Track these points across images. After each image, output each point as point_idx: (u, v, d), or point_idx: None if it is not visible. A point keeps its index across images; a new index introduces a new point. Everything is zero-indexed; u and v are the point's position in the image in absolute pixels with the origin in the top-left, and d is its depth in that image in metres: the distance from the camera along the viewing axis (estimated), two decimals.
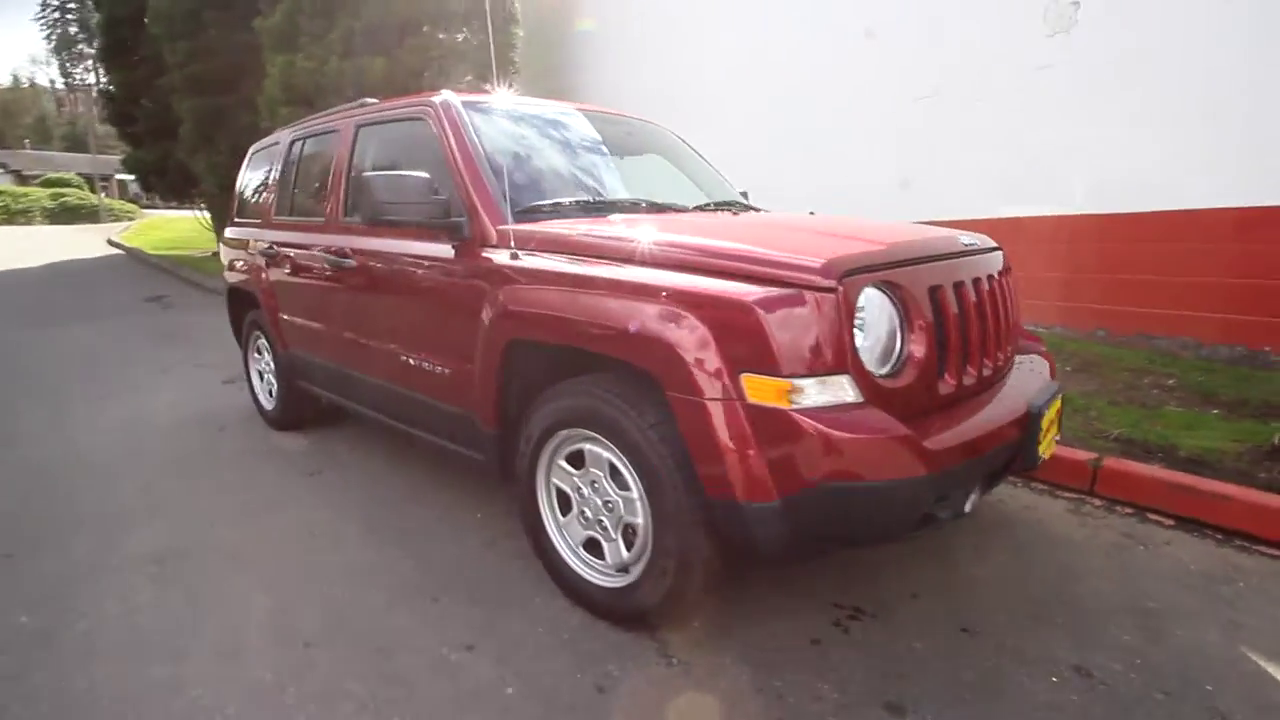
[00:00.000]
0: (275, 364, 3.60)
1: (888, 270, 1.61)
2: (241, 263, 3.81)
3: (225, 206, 13.43)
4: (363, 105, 3.07)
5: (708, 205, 2.65)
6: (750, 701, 1.64)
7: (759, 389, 1.48)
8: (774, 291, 1.49)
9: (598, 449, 1.88)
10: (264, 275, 3.48)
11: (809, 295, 1.48)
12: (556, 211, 2.25)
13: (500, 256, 2.09)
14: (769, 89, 6.80)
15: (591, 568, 1.99)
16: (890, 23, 5.67)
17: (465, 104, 2.49)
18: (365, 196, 2.19)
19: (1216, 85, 4.04)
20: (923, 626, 1.91)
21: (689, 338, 1.55)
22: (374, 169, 2.84)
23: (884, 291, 1.59)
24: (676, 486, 1.67)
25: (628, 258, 1.76)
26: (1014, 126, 4.97)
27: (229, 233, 4.07)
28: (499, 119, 2.51)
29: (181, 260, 12.85)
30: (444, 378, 2.34)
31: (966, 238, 1.96)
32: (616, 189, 2.54)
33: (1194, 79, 4.12)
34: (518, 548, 2.41)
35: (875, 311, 1.58)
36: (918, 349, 1.62)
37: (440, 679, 1.74)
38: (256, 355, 3.94)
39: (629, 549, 1.87)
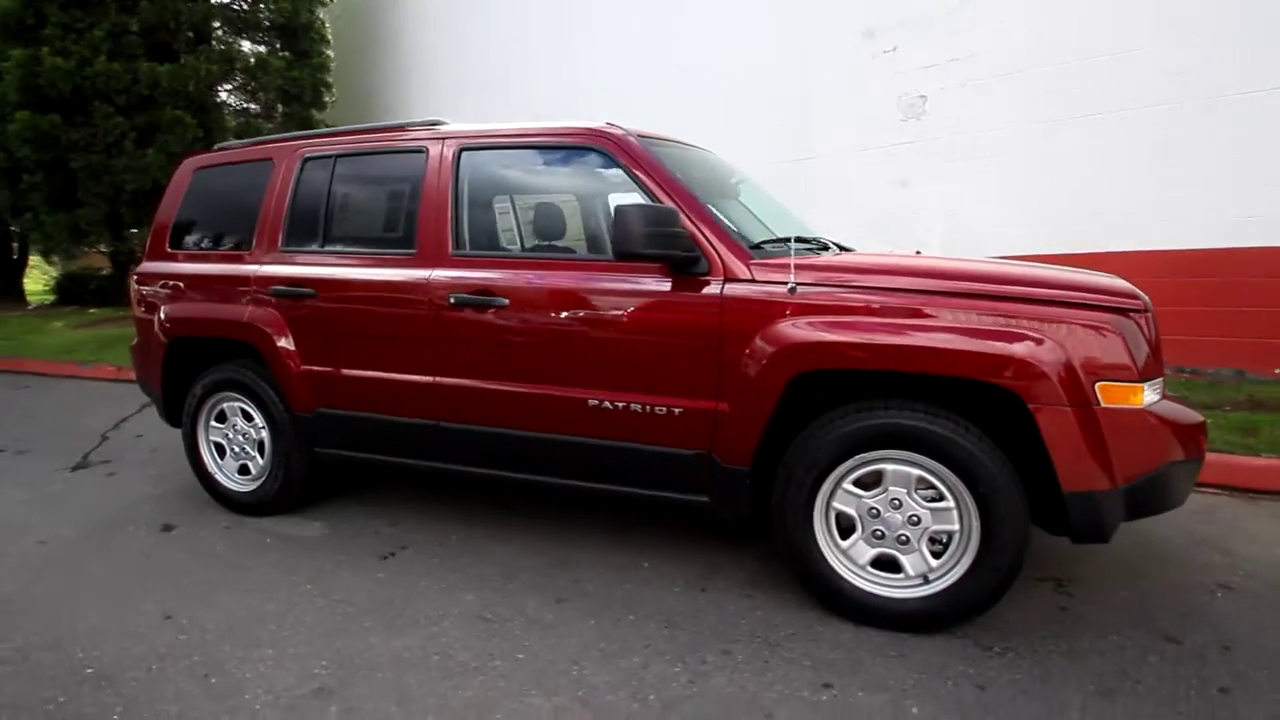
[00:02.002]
0: (277, 431, 2.87)
1: None
2: (204, 305, 2.98)
3: None
4: (436, 125, 2.72)
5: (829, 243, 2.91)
6: (1085, 663, 1.90)
7: (1114, 394, 1.81)
8: (1121, 316, 1.85)
9: (903, 467, 2.01)
10: (271, 320, 2.79)
11: (1138, 317, 1.87)
12: (776, 248, 2.32)
13: (764, 290, 2.10)
14: None
15: (880, 583, 2.09)
16: (778, 99, 6.60)
17: (638, 136, 2.42)
18: (624, 227, 2.02)
19: (1028, 162, 5.53)
20: (1112, 580, 2.37)
21: (1052, 356, 1.81)
22: (492, 196, 2.58)
23: None
24: (1012, 488, 1.90)
25: (954, 289, 1.96)
26: (878, 188, 6.12)
27: (159, 268, 3.15)
28: (668, 154, 2.48)
29: None
30: (669, 419, 2.21)
31: None
32: (780, 227, 2.67)
33: (1013, 157, 5.57)
34: (731, 585, 2.38)
35: None
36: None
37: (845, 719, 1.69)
38: (214, 424, 3.07)
39: (936, 558, 2.03)
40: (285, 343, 2.77)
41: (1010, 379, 1.84)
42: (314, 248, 2.79)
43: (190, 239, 3.15)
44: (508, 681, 1.87)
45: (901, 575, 2.06)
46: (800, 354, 2.02)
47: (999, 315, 1.90)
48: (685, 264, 2.17)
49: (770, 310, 2.08)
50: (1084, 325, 1.85)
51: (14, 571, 2.55)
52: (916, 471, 2.00)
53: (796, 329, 2.03)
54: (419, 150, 2.63)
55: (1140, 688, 1.80)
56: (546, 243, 2.50)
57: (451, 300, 2.45)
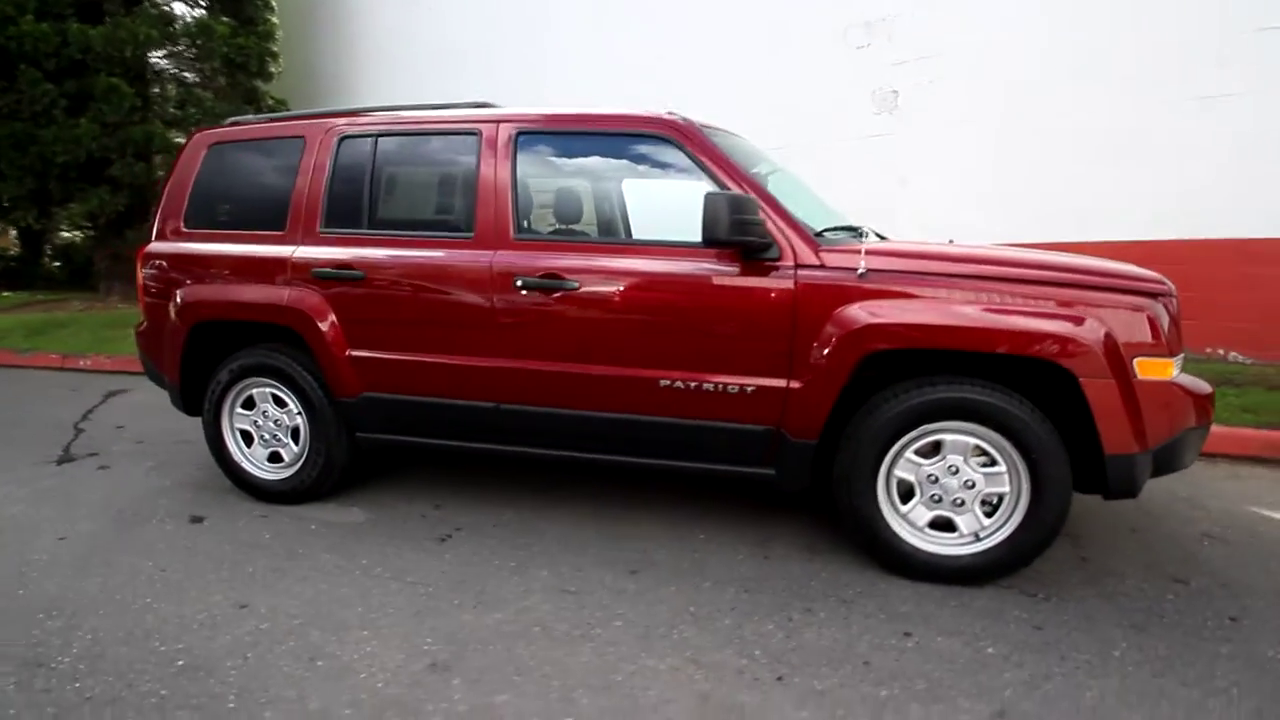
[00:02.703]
0: (316, 416, 2.82)
1: None
2: (233, 288, 2.86)
3: None
4: (484, 106, 2.72)
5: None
6: (1117, 604, 2.17)
7: (1149, 368, 2.06)
8: (1152, 300, 2.10)
9: (961, 437, 2.21)
10: (313, 303, 2.72)
11: (1165, 300, 2.14)
12: (835, 235, 2.47)
13: (835, 275, 2.25)
14: None
15: (937, 543, 2.29)
16: (755, 89, 6.77)
17: (701, 125, 2.51)
18: (712, 214, 2.11)
19: (998, 155, 5.92)
20: (1117, 535, 2.68)
21: (1099, 336, 2.04)
22: (553, 180, 2.62)
23: None
24: (1060, 452, 2.14)
25: (1008, 274, 2.16)
26: (855, 176, 6.40)
27: (173, 248, 3.00)
28: (725, 143, 2.58)
29: None
30: (741, 396, 2.34)
31: None
32: (819, 213, 2.82)
33: (984, 150, 5.95)
34: (791, 550, 2.55)
35: None
36: None
37: (934, 662, 1.88)
38: (240, 411, 2.97)
39: (988, 517, 2.25)
40: (329, 327, 2.72)
41: (1065, 356, 2.06)
42: (358, 230, 2.74)
43: (208, 218, 3.01)
44: (616, 647, 1.97)
45: (956, 535, 2.28)
46: (873, 335, 2.18)
47: (1051, 300, 2.12)
48: (758, 250, 2.29)
49: (842, 294, 2.23)
50: (1124, 308, 2.10)
51: (48, 569, 2.42)
52: (973, 440, 2.21)
53: (868, 312, 2.19)
54: (472, 132, 2.63)
55: (1166, 621, 2.09)
56: (610, 226, 2.57)
57: (518, 284, 2.48)
